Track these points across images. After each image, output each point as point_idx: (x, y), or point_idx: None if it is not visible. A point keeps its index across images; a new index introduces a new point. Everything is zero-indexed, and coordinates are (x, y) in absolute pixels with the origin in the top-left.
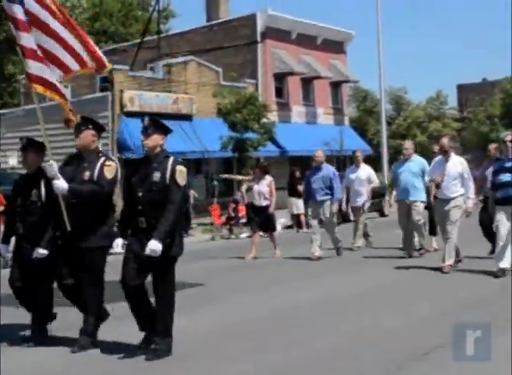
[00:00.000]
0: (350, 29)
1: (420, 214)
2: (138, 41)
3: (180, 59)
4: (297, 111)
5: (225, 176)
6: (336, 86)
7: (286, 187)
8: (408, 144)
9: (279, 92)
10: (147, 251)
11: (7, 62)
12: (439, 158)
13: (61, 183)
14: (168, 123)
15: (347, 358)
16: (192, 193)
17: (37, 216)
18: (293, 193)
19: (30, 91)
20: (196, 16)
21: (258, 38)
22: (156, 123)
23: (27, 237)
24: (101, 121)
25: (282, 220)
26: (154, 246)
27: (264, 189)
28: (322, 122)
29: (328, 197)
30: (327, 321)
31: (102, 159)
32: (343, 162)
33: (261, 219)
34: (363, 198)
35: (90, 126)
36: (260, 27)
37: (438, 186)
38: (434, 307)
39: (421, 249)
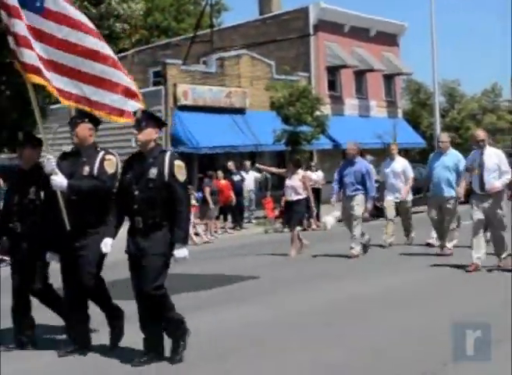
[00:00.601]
0: (403, 21)
1: (452, 211)
2: (191, 35)
3: (233, 53)
4: (350, 104)
5: (261, 167)
6: (389, 78)
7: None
8: (444, 137)
9: (332, 85)
10: (177, 259)
11: None
12: (474, 151)
13: (59, 179)
14: (221, 116)
15: (403, 352)
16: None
17: (37, 214)
18: None
19: None
20: (248, 9)
21: (311, 31)
22: (149, 115)
23: (27, 237)
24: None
25: (335, 213)
26: (181, 253)
27: (296, 184)
28: (375, 115)
29: (359, 192)
30: (380, 316)
31: (102, 153)
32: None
33: (291, 213)
34: (400, 193)
35: (86, 120)
36: (312, 20)
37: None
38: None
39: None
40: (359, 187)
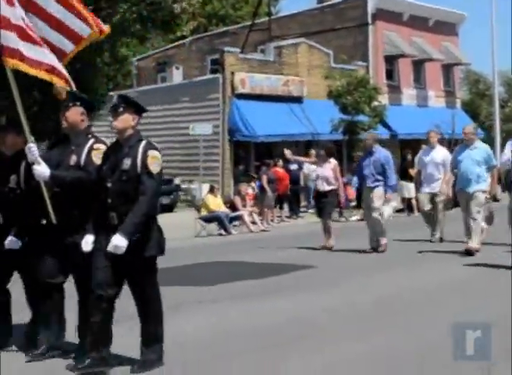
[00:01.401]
0: (462, 10)
1: (478, 205)
2: (248, 23)
3: (291, 41)
4: (408, 93)
5: (290, 156)
6: (447, 68)
7: (398, 171)
8: (468, 129)
9: (390, 75)
10: (110, 247)
11: (120, 44)
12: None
13: (42, 169)
14: (278, 104)
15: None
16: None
17: (17, 204)
18: (405, 176)
19: (141, 72)
20: None
21: (369, 20)
22: (127, 100)
23: (5, 228)
24: (212, 103)
25: (393, 203)
26: (118, 241)
27: (327, 173)
28: (433, 105)
29: (378, 183)
30: (426, 310)
31: (91, 142)
32: (455, 145)
33: (322, 204)
34: (439, 184)
35: (78, 103)
36: (371, 9)
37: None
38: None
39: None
40: (379, 177)
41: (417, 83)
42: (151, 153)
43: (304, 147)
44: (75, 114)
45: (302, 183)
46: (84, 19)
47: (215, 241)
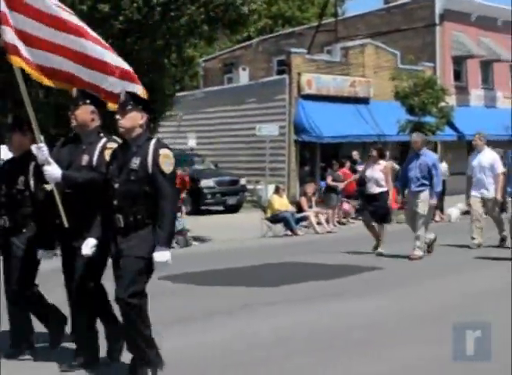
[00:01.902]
0: None
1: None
2: (315, 24)
3: (357, 42)
4: (476, 94)
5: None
6: None
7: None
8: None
9: (458, 75)
10: (157, 266)
11: (188, 45)
12: None
13: (53, 170)
14: (345, 105)
15: None
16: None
17: (26, 206)
18: None
19: (208, 73)
20: None
21: (437, 21)
22: (135, 97)
23: (14, 231)
24: (278, 104)
25: (459, 205)
26: (161, 257)
27: (377, 175)
28: (502, 106)
29: (424, 188)
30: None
31: (103, 141)
32: None
33: (373, 208)
34: (490, 188)
35: (88, 101)
36: (438, 9)
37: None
38: None
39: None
40: (425, 181)
41: (485, 84)
42: (163, 152)
43: (370, 148)
44: (84, 113)
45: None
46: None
47: (281, 241)
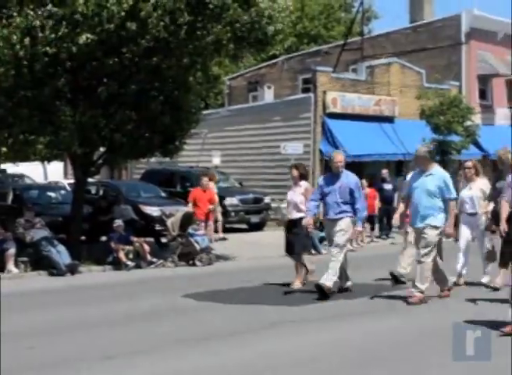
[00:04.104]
0: None
1: (429, 244)
2: (340, 42)
3: (383, 61)
4: (502, 113)
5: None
6: None
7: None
8: (421, 150)
9: (483, 94)
10: None
11: (214, 63)
12: None
13: None
14: (370, 124)
15: None
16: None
17: None
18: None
19: (233, 91)
20: (398, 16)
21: (463, 39)
22: None
23: None
24: (303, 122)
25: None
26: None
27: (297, 198)
28: None
29: (345, 215)
30: None
31: None
32: None
33: (292, 236)
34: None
35: None
36: (464, 28)
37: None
38: None
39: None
40: (346, 208)
41: (511, 103)
42: None
43: (395, 167)
44: None
45: (395, 203)
46: None
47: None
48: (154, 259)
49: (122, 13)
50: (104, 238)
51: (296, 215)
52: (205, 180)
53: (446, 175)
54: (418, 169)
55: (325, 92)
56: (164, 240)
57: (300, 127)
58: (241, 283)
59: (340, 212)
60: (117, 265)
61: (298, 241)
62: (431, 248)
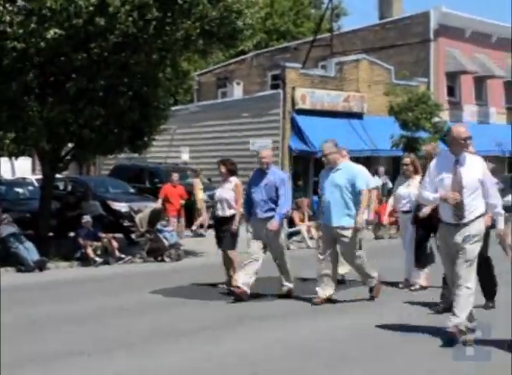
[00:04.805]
0: None
1: (346, 244)
2: (309, 39)
3: (352, 57)
4: (469, 110)
5: None
6: (510, 85)
7: None
8: (326, 147)
9: (451, 91)
10: None
11: (183, 59)
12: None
13: None
14: (338, 120)
15: None
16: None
17: None
18: None
19: (202, 87)
20: (367, 13)
21: (431, 36)
22: None
23: None
24: (272, 118)
25: None
26: None
27: (227, 195)
28: (495, 122)
29: (273, 213)
30: None
31: None
32: None
33: (222, 234)
34: None
35: None
36: (433, 25)
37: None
38: None
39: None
40: (273, 206)
41: (478, 100)
42: None
43: (363, 163)
44: None
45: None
46: None
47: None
48: (123, 255)
49: (91, 8)
50: (72, 234)
51: (227, 212)
52: (175, 175)
53: (356, 167)
54: (328, 167)
55: (294, 88)
56: (133, 236)
57: (269, 123)
58: (209, 279)
59: (267, 211)
60: (85, 261)
61: (226, 238)
62: (356, 248)
